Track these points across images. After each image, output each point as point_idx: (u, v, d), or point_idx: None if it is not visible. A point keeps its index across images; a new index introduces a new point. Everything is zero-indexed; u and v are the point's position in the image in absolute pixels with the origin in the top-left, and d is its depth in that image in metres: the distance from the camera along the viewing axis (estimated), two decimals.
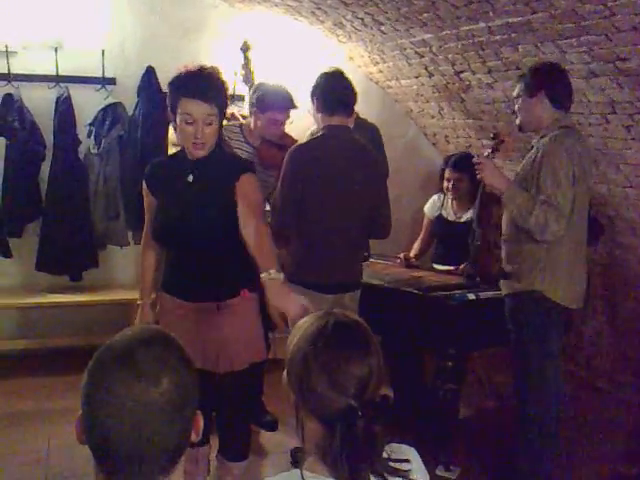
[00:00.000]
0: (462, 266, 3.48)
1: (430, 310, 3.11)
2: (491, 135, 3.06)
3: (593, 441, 3.40)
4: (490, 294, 3.07)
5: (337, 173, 2.83)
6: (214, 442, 2.51)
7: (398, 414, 3.78)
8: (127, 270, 4.48)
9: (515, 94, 2.78)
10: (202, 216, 2.25)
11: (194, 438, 1.09)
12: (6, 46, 4.09)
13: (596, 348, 4.06)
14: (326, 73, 2.95)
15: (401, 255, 3.82)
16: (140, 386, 1.01)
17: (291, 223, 2.90)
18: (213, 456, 2.52)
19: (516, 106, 2.79)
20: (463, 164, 3.63)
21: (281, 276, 2.13)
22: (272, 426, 3.55)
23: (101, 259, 4.41)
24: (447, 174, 3.72)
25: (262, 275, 2.09)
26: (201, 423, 1.10)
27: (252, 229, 2.19)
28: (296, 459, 2.94)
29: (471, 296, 3.08)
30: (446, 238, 3.80)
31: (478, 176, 2.80)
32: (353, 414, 1.15)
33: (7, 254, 4.21)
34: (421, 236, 3.97)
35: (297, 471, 1.17)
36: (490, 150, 2.90)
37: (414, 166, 4.92)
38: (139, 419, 1.00)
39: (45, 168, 4.22)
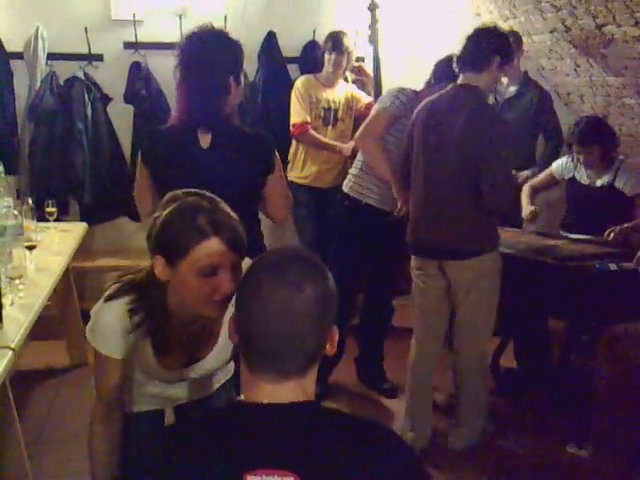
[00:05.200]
0: (608, 232, 3.25)
1: (568, 281, 2.93)
2: None
3: None
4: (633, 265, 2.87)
5: (437, 134, 2.72)
6: None
7: (524, 388, 3.61)
8: None
9: None
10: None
11: (329, 350, 1.15)
12: (133, 14, 4.19)
13: None
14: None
15: (532, 208, 3.50)
16: (285, 291, 1.08)
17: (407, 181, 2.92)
18: None
19: None
20: (591, 137, 3.36)
21: None
22: (392, 393, 3.52)
23: None
24: (575, 148, 3.44)
25: None
26: (336, 337, 1.16)
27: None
28: None
29: (613, 266, 2.88)
30: (581, 204, 3.56)
31: None
32: None
33: (135, 218, 4.36)
34: (534, 182, 3.66)
35: None
36: None
37: None
38: (282, 320, 1.07)
39: None
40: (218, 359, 1.75)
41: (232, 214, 1.50)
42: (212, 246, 1.43)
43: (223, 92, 2.18)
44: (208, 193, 1.54)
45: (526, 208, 3.55)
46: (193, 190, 1.54)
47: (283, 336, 1.07)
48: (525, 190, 3.66)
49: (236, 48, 2.24)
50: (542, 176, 3.70)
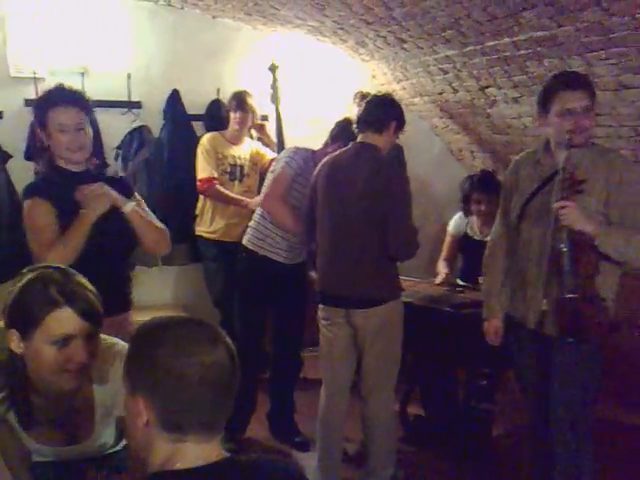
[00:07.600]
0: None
1: (463, 327, 3.08)
2: (566, 175, 2.30)
3: None
4: None
5: (341, 187, 2.87)
6: None
7: (430, 432, 3.68)
8: (155, 291, 4.49)
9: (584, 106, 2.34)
10: None
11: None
12: (34, 72, 4.15)
13: None
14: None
15: (443, 275, 3.74)
16: (204, 347, 1.11)
17: (312, 232, 3.06)
18: None
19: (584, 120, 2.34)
20: (489, 184, 3.62)
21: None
22: (304, 447, 3.53)
23: None
24: (477, 197, 3.67)
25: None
26: None
27: None
28: None
29: None
30: (474, 257, 3.75)
31: (564, 223, 2.26)
32: None
33: None
34: (445, 255, 3.91)
35: None
36: (568, 192, 2.29)
37: (440, 182, 4.89)
38: (209, 373, 1.09)
39: None
40: (97, 449, 1.74)
41: (87, 285, 1.53)
42: (64, 316, 1.46)
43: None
44: (63, 266, 1.58)
45: (441, 274, 3.76)
46: (47, 264, 1.58)
47: (210, 390, 1.10)
48: (439, 264, 3.87)
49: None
50: (445, 245, 3.92)
